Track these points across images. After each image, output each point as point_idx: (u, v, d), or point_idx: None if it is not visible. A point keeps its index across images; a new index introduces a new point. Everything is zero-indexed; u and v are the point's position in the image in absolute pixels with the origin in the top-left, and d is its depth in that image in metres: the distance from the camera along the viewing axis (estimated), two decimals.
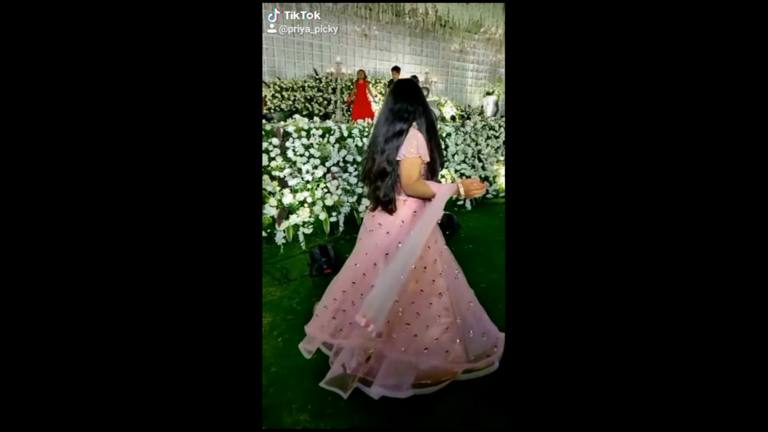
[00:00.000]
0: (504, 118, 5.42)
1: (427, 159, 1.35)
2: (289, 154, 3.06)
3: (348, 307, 1.48)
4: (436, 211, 1.34)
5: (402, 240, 1.37)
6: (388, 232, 1.41)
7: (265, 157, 2.96)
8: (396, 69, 6.48)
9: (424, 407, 1.36)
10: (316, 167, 3.18)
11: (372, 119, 4.15)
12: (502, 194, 4.61)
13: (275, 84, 6.54)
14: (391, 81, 6.75)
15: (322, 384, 1.44)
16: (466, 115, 7.50)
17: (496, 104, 8.84)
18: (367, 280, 1.44)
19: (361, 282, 1.46)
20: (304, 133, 3.16)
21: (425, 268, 1.43)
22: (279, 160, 3.01)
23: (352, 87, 6.76)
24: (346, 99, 6.86)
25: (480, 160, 4.53)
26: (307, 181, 3.11)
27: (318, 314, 1.61)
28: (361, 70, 6.64)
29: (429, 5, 7.54)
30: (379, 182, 1.36)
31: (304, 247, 2.89)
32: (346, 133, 3.37)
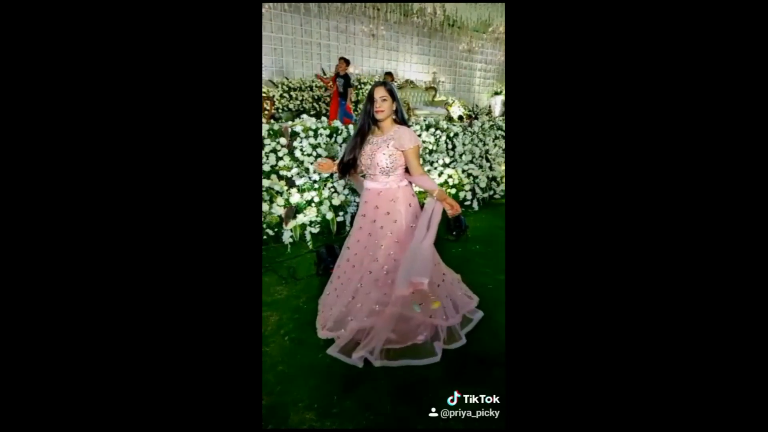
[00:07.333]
0: None
1: None
2: (297, 153, 3.07)
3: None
4: None
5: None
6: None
7: (272, 157, 2.97)
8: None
9: (426, 407, 1.35)
10: None
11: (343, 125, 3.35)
12: None
13: (283, 84, 6.57)
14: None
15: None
16: (473, 115, 7.45)
17: (504, 104, 8.78)
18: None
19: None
20: (311, 133, 3.17)
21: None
22: (287, 160, 3.02)
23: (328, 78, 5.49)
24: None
25: (488, 161, 4.50)
26: (315, 181, 3.11)
27: None
28: (342, 58, 5.49)
29: (437, 5, 7.51)
30: None
31: (311, 247, 2.90)
32: (353, 133, 3.37)
